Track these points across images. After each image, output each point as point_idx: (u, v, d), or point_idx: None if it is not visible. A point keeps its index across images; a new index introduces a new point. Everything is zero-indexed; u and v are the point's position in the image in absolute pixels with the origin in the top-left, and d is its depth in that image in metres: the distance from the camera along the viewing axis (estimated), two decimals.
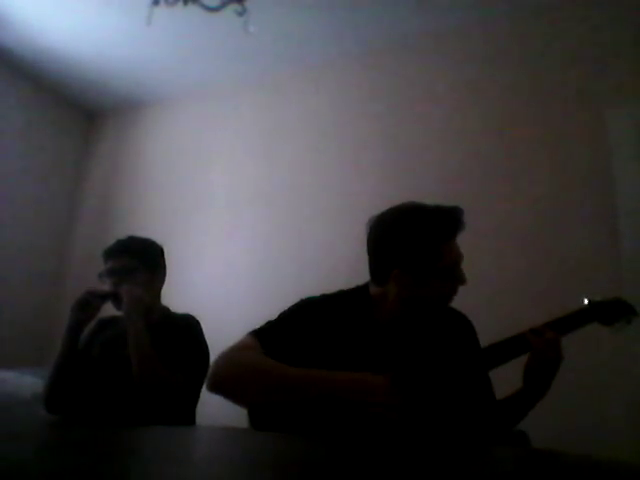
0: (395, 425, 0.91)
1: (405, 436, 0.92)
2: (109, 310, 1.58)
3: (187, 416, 1.49)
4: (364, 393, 0.93)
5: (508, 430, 1.13)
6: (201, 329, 1.55)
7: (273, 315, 1.14)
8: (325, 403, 0.94)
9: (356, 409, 0.93)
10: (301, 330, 1.09)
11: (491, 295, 2.18)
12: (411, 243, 1.07)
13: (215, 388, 1.04)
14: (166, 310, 1.64)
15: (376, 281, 1.15)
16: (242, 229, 2.98)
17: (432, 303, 1.10)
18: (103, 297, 1.52)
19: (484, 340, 1.16)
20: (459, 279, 1.10)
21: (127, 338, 1.42)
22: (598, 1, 2.40)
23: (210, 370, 1.07)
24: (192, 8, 2.00)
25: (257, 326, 1.12)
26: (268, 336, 1.08)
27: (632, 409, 1.86)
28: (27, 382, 2.28)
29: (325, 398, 0.94)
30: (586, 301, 1.11)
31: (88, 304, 1.48)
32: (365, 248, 1.17)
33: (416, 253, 1.06)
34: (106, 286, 1.55)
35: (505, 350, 1.03)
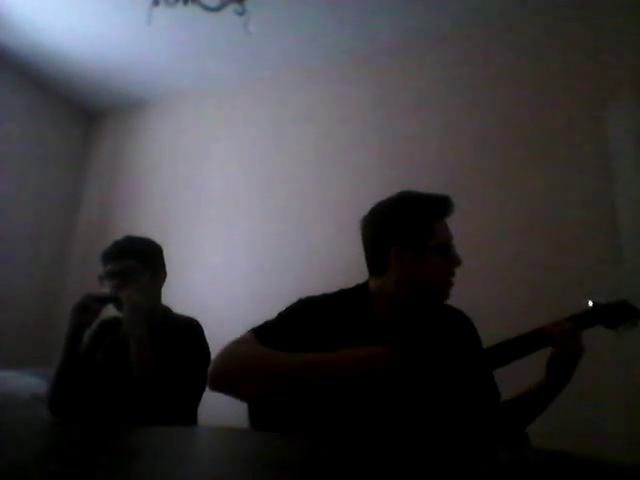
0: (401, 395, 0.92)
1: (409, 416, 0.93)
2: (110, 310, 1.58)
3: (188, 417, 1.48)
4: (369, 364, 0.94)
5: (523, 427, 1.13)
6: (203, 333, 1.54)
7: (273, 315, 1.14)
8: (332, 382, 0.94)
9: (364, 382, 0.93)
10: (300, 329, 1.08)
11: (491, 296, 2.18)
12: (404, 219, 1.11)
13: (217, 385, 1.02)
14: (167, 311, 1.62)
15: (375, 270, 1.15)
16: (242, 228, 2.98)
17: (431, 287, 1.11)
18: (102, 301, 1.51)
19: (484, 339, 1.16)
20: (454, 259, 1.12)
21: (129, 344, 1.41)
22: (598, 1, 2.40)
23: (210, 368, 1.04)
24: (192, 8, 2.00)
25: (256, 325, 1.12)
26: (267, 334, 1.07)
27: (632, 409, 1.86)
28: (27, 382, 2.28)
29: (332, 376, 0.94)
30: (590, 303, 1.11)
31: (87, 308, 1.47)
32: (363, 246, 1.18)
33: (410, 228, 1.10)
34: (106, 289, 1.54)
35: (524, 344, 1.04)
